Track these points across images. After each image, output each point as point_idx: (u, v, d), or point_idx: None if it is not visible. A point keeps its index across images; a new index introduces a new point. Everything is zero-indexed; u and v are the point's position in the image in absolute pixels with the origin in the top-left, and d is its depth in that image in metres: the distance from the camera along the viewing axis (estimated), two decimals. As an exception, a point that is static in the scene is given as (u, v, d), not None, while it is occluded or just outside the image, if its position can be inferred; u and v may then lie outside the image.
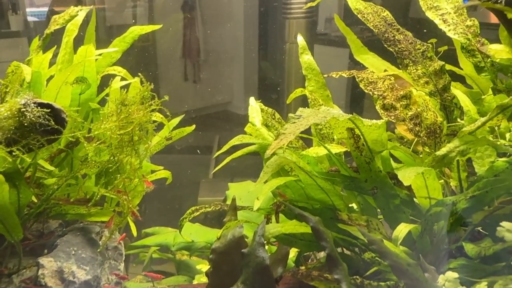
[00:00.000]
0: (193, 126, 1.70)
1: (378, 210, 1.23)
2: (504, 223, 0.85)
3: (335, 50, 3.31)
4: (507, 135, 1.25)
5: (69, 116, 1.12)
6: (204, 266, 1.56)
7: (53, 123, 1.01)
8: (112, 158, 1.10)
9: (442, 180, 1.26)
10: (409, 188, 1.18)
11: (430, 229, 1.11)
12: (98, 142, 1.09)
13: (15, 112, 1.01)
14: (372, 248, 0.87)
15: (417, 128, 1.22)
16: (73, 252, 1.26)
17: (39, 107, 1.02)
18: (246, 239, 1.02)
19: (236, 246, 0.98)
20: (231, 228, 1.02)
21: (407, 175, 1.00)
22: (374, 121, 1.09)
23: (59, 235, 1.36)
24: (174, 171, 1.69)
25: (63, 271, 1.22)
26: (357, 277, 0.94)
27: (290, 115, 1.02)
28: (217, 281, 0.99)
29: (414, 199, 1.19)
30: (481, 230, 1.15)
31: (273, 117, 1.37)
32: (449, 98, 1.32)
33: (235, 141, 1.18)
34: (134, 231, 1.36)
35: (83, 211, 1.30)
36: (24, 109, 1.01)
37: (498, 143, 1.16)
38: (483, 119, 1.08)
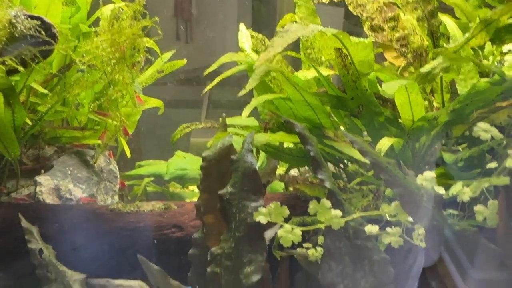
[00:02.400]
0: (185, 60, 1.73)
1: (365, 132, 1.27)
2: (480, 124, 0.89)
3: (330, 9, 3.27)
4: (491, 58, 1.28)
5: (60, 32, 1.13)
6: (197, 194, 1.61)
7: (43, 34, 1.03)
8: (104, 75, 1.12)
9: (426, 102, 1.30)
10: (393, 108, 1.22)
11: (413, 143, 1.16)
12: (89, 58, 1.11)
13: (6, 24, 1.01)
14: (354, 147, 0.91)
15: (403, 49, 1.24)
16: (69, 172, 1.31)
17: (29, 19, 1.03)
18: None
19: (226, 154, 1.03)
20: (221, 139, 1.07)
21: (390, 86, 1.04)
22: (361, 39, 1.11)
23: (55, 159, 1.40)
24: (167, 114, 1.72)
25: (60, 189, 1.27)
26: (341, 180, 0.99)
27: (278, 29, 1.04)
28: (208, 187, 1.04)
29: (399, 120, 1.23)
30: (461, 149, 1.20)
31: (263, 43, 1.39)
32: (436, 24, 1.34)
33: (224, 59, 1.20)
34: (128, 152, 1.40)
35: (78, 134, 1.34)
36: (14, 21, 1.02)
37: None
38: (466, 35, 1.11)
